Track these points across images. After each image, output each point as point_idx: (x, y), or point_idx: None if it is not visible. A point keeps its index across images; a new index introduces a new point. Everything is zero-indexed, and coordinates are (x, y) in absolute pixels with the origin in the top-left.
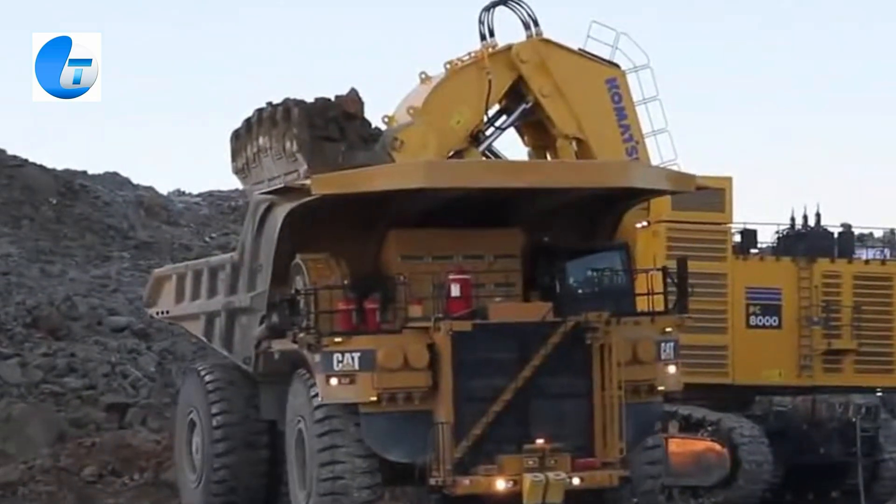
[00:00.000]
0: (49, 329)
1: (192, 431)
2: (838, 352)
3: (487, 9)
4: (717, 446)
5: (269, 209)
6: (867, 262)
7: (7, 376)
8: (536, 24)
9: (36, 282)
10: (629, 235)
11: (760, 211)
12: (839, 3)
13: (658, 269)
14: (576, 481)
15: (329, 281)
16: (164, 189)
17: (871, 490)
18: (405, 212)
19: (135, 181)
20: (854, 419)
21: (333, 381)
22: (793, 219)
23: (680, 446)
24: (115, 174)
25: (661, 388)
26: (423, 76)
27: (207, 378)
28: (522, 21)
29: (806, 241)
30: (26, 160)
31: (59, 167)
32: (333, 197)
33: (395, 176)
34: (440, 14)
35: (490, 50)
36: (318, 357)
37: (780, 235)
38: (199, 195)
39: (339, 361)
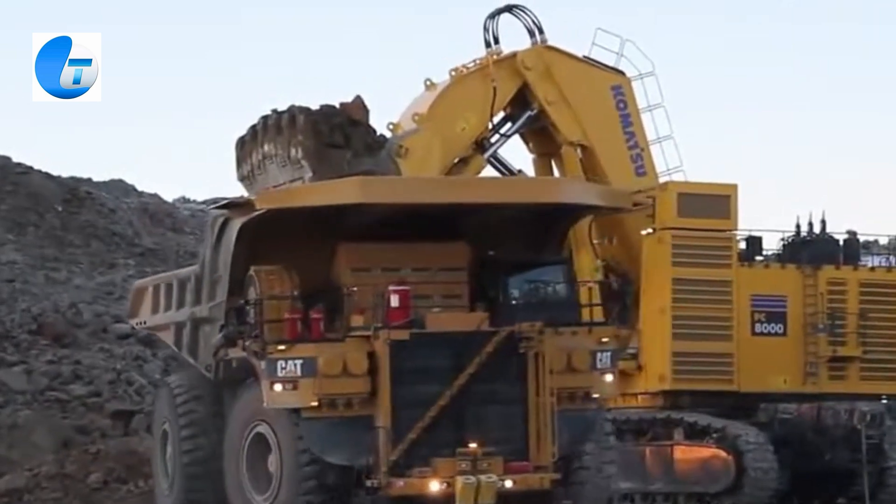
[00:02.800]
0: (54, 336)
1: (166, 442)
2: (843, 359)
3: (492, 16)
4: (723, 453)
5: (225, 223)
6: (873, 269)
7: (12, 383)
8: (541, 31)
9: (41, 289)
10: (634, 243)
11: (766, 218)
12: (845, 7)
13: (598, 282)
14: (508, 484)
15: (279, 292)
16: (169, 196)
17: (876, 497)
18: (355, 225)
19: (140, 188)
20: (859, 426)
21: (277, 386)
22: (798, 226)
23: (685, 453)
24: (121, 181)
25: (596, 395)
26: (429, 83)
27: (176, 389)
28: (527, 28)
29: (811, 249)
30: (31, 167)
31: (65, 174)
32: (280, 212)
33: (333, 192)
34: (445, 21)
35: (495, 57)
36: (263, 364)
37: (786, 242)
38: (204, 202)
39: (282, 368)
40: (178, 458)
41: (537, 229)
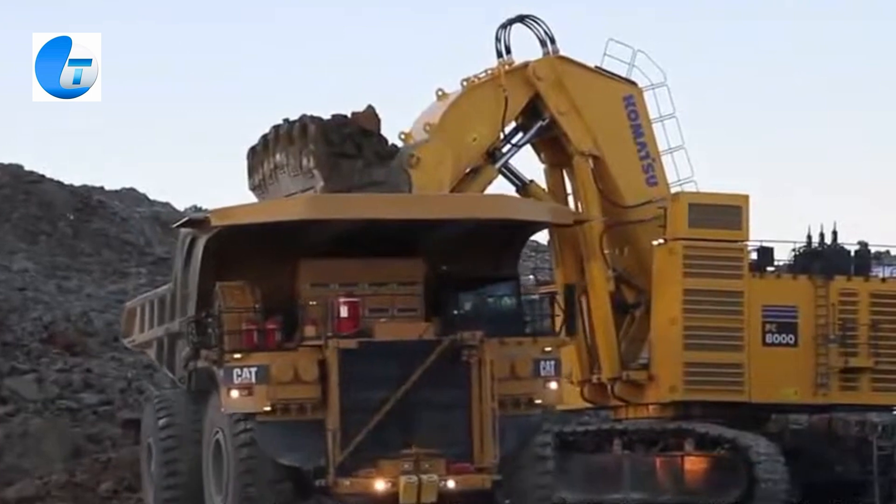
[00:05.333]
0: (65, 345)
1: (150, 454)
2: (855, 370)
3: (504, 26)
4: (734, 464)
5: (193, 241)
6: (884, 280)
7: (23, 392)
8: (553, 41)
9: (52, 297)
10: (645, 253)
11: (777, 228)
12: (861, 20)
13: (547, 294)
14: (450, 484)
15: (241, 306)
16: (181, 205)
17: None
18: (316, 242)
19: (152, 197)
20: (871, 437)
21: (234, 393)
22: (809, 237)
23: (696, 464)
24: (132, 190)
25: (538, 401)
26: (440, 93)
27: (158, 404)
28: (539, 38)
29: (822, 259)
30: (43, 176)
31: (77, 182)
32: (240, 228)
33: (281, 209)
34: (457, 31)
35: (507, 67)
36: (221, 372)
37: (797, 253)
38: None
39: (238, 375)
40: (158, 469)
41: (490, 245)
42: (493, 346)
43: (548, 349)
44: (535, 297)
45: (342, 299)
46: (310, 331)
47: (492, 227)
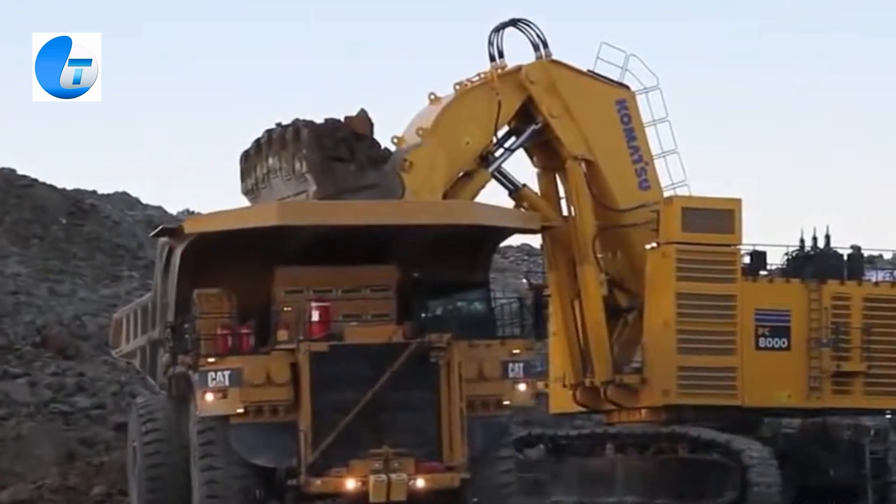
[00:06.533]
0: (58, 348)
1: (135, 459)
2: (847, 374)
3: (497, 30)
4: (727, 468)
5: (171, 249)
6: (877, 283)
7: (16, 396)
8: (546, 45)
9: (45, 301)
10: (638, 257)
11: (770, 232)
12: (860, 20)
13: (516, 299)
14: (420, 483)
15: (217, 313)
16: (173, 209)
17: None
18: (291, 250)
19: (144, 201)
20: (863, 441)
21: (209, 396)
22: (802, 240)
23: (689, 468)
24: (125, 194)
25: (507, 402)
26: (433, 97)
27: (141, 409)
28: (532, 42)
29: (815, 263)
30: (36, 180)
31: (69, 186)
32: (216, 236)
33: (252, 216)
34: (450, 35)
35: (499, 71)
36: (196, 376)
37: (790, 257)
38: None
39: (212, 379)
40: (142, 473)
41: (461, 251)
42: (462, 347)
43: (516, 351)
44: (504, 300)
45: (314, 304)
46: (283, 335)
47: (462, 233)
